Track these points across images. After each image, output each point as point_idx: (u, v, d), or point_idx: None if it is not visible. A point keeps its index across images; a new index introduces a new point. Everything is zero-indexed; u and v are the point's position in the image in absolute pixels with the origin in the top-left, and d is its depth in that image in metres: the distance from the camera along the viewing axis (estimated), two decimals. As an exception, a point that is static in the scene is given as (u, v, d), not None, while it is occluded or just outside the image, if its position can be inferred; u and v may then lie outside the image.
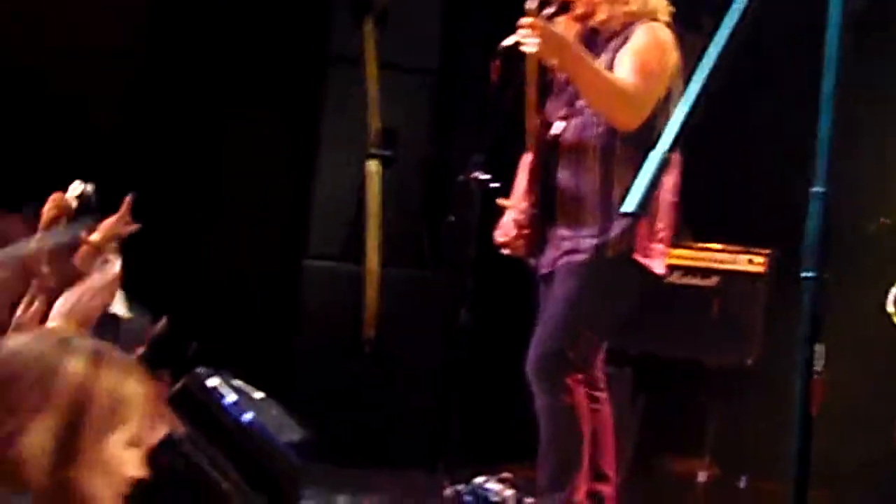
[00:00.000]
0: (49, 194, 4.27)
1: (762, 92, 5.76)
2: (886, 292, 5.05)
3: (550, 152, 4.08)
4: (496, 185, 5.03)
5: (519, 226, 4.14)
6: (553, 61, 3.97)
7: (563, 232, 4.03)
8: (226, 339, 6.79)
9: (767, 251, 5.36)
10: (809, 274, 1.99)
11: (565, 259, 4.01)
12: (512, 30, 4.93)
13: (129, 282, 5.03)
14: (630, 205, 1.87)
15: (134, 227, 4.32)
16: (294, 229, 5.72)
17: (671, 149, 1.90)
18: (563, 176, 4.03)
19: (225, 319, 7.12)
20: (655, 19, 4.00)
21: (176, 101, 7.58)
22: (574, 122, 4.04)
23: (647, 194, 1.86)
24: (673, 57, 3.96)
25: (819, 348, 2.01)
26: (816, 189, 2.01)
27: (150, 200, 6.93)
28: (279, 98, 6.95)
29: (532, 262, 4.18)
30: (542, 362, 3.98)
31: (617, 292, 4.05)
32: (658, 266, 4.06)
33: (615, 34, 4.02)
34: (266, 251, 6.65)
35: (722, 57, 2.07)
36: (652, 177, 1.87)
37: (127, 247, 4.54)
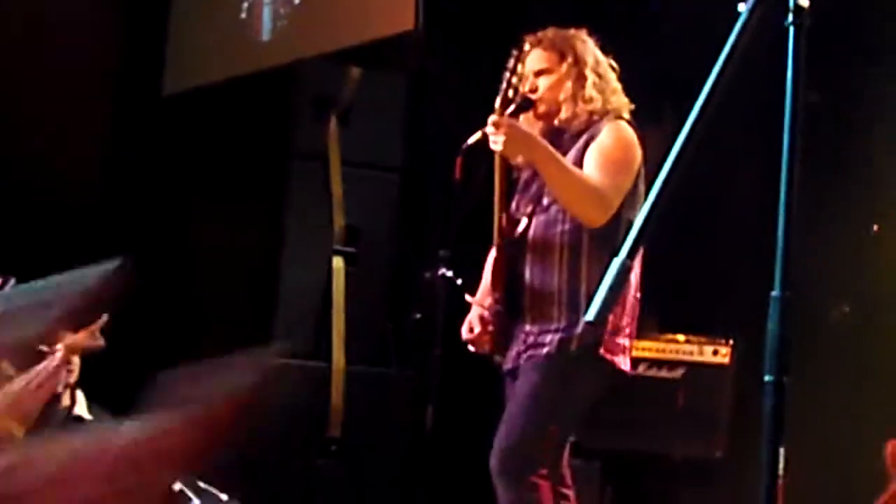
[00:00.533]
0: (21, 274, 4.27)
1: (724, 186, 5.82)
2: (850, 384, 5.08)
3: (516, 249, 4.07)
4: (461, 281, 5.06)
5: (484, 322, 4.13)
6: (519, 159, 4.01)
7: (527, 328, 4.01)
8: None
9: (732, 342, 5.38)
10: (770, 378, 2.00)
11: (529, 353, 3.99)
12: (475, 127, 5.00)
13: (91, 382, 5.03)
14: (591, 314, 1.88)
15: (101, 345, 4.34)
16: (258, 326, 5.70)
17: (631, 256, 1.91)
18: (529, 272, 4.03)
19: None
20: (620, 117, 4.03)
21: (140, 197, 7.60)
22: (540, 218, 4.05)
23: (607, 303, 1.87)
24: (638, 154, 3.99)
25: (782, 451, 2.02)
26: (775, 293, 2.03)
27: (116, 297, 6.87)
28: (243, 194, 6.97)
29: (497, 358, 4.15)
30: (505, 459, 3.92)
31: (581, 387, 4.03)
32: (623, 362, 4.04)
33: (580, 132, 4.05)
34: (229, 348, 6.63)
35: (682, 154, 2.09)
36: (612, 285, 1.88)
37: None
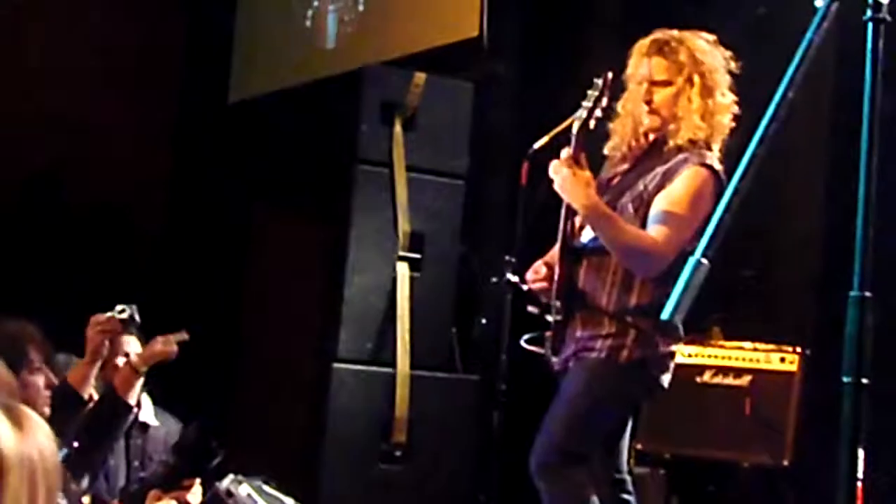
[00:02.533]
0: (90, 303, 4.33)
1: (793, 190, 5.76)
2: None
3: (577, 256, 4.12)
4: (526, 287, 5.04)
5: (549, 268, 4.17)
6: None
7: (578, 333, 4.07)
8: (257, 445, 6.78)
9: (800, 349, 5.32)
10: (848, 379, 1.97)
11: (578, 356, 4.05)
12: (540, 133, 4.98)
13: (160, 386, 5.07)
14: (666, 313, 1.86)
15: (174, 352, 4.42)
16: (324, 332, 5.72)
17: (705, 253, 1.89)
18: (584, 281, 4.08)
19: (256, 425, 7.11)
20: (703, 163, 3.96)
21: (208, 206, 7.66)
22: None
23: (682, 303, 1.85)
24: (709, 202, 3.90)
25: (861, 454, 1.99)
26: (855, 294, 2.00)
27: (185, 306, 6.98)
28: (309, 201, 7.00)
29: (553, 360, 4.18)
30: (542, 456, 4.01)
31: (624, 395, 4.13)
32: (667, 380, 4.10)
33: (668, 158, 4.02)
34: (296, 355, 6.65)
35: (756, 154, 2.07)
36: (686, 285, 1.86)
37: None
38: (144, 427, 5.13)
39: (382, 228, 5.64)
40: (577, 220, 4.15)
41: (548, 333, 4.13)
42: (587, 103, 4.01)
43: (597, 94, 4.00)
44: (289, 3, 7.68)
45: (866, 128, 2.05)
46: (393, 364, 5.52)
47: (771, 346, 5.34)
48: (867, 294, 2.01)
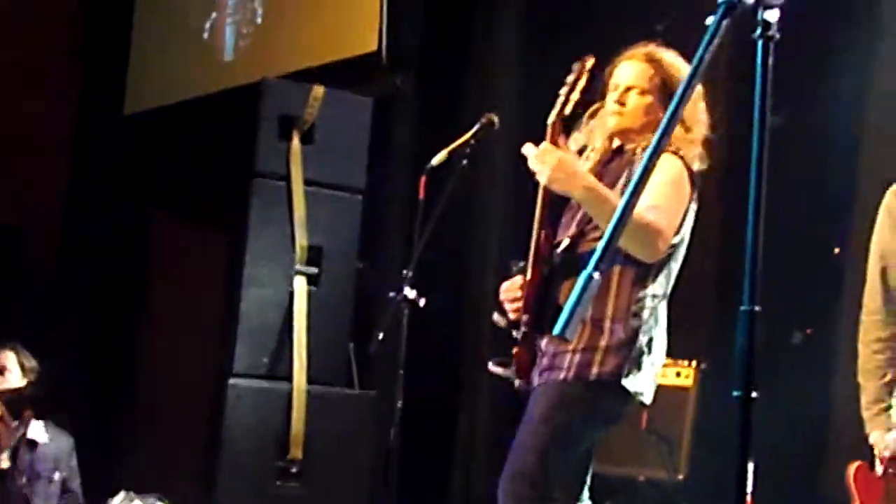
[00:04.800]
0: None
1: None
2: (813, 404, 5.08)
3: (551, 269, 3.82)
4: (424, 302, 5.04)
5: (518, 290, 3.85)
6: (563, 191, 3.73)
7: (548, 348, 3.78)
8: (152, 461, 6.69)
9: (695, 364, 5.38)
10: (738, 393, 1.99)
11: (545, 376, 3.75)
12: (437, 147, 4.99)
13: (50, 402, 4.98)
14: (557, 328, 1.86)
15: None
16: (221, 347, 5.66)
17: (596, 268, 1.90)
18: (561, 293, 3.77)
19: (151, 440, 7.02)
20: (677, 153, 3.78)
21: (104, 216, 7.56)
22: (581, 241, 3.80)
23: (573, 317, 1.85)
24: (688, 190, 3.78)
25: (751, 467, 2.00)
26: (744, 308, 2.02)
27: (82, 321, 6.86)
28: (207, 215, 6.94)
29: (518, 384, 3.86)
30: (512, 485, 3.68)
31: (594, 419, 3.79)
32: (647, 395, 3.80)
33: (639, 156, 3.82)
34: (193, 369, 6.59)
35: (644, 175, 2.08)
36: (578, 296, 1.86)
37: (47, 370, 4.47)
38: (33, 444, 5.04)
39: (280, 242, 5.60)
40: (560, 231, 3.88)
41: (514, 351, 3.82)
42: (563, 90, 3.77)
43: (573, 78, 3.79)
44: (186, 15, 7.62)
45: (756, 143, 2.08)
46: (289, 379, 5.48)
47: (666, 361, 5.37)
48: (756, 308, 2.03)
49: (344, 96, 5.86)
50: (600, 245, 1.94)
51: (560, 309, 3.56)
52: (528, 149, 3.67)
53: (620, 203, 1.98)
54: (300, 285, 5.56)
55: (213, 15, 7.41)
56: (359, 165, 5.83)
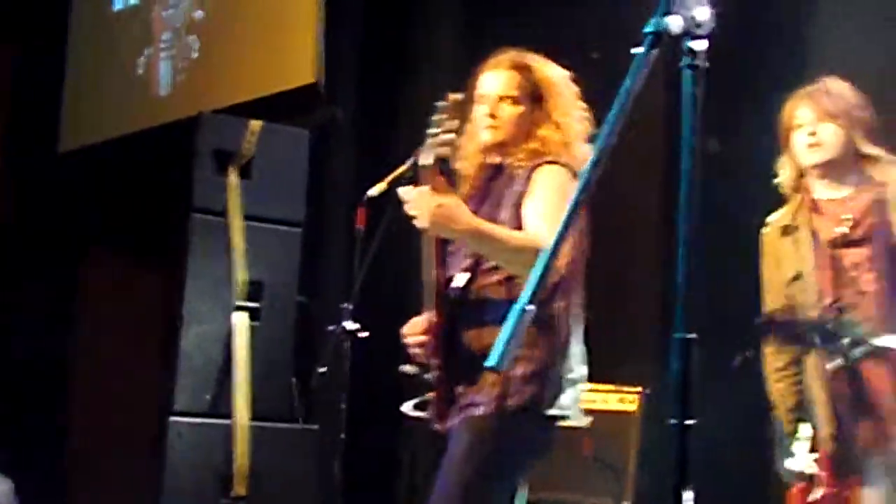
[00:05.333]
0: None
1: (629, 233, 5.86)
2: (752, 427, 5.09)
3: (453, 307, 3.69)
4: (366, 334, 5.02)
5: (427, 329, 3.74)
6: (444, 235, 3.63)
7: (464, 387, 3.64)
8: (92, 502, 6.61)
9: (639, 389, 5.38)
10: (674, 421, 1.99)
11: (463, 414, 3.63)
12: (376, 178, 4.98)
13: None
14: (492, 360, 1.85)
15: None
16: (161, 385, 5.62)
17: (531, 300, 1.89)
18: (467, 331, 3.64)
19: (91, 480, 6.93)
20: (556, 161, 3.67)
21: (40, 250, 7.48)
22: (479, 270, 3.68)
23: (507, 347, 1.85)
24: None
25: (688, 495, 2.00)
26: (678, 335, 2.02)
27: (15, 363, 6.76)
28: (142, 250, 6.89)
29: (436, 426, 3.74)
30: None
31: (518, 446, 3.66)
32: (576, 414, 3.72)
33: (518, 171, 3.71)
34: (133, 408, 6.52)
35: (579, 201, 2.07)
36: (512, 329, 1.86)
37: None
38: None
39: (219, 278, 5.56)
40: (450, 267, 3.75)
41: (430, 394, 3.71)
42: (434, 130, 3.56)
43: (443, 118, 3.57)
44: (119, 50, 7.57)
45: (685, 171, 2.08)
46: (232, 416, 5.43)
47: (610, 387, 5.39)
48: (692, 335, 2.03)
49: (281, 129, 5.84)
50: (533, 279, 1.93)
51: (468, 353, 3.63)
52: (404, 193, 3.54)
53: (553, 240, 1.97)
54: (240, 321, 5.53)
55: (148, 50, 7.37)
56: (297, 198, 5.81)
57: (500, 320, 3.40)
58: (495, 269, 3.66)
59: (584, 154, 3.71)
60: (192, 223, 5.60)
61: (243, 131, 5.69)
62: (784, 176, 4.08)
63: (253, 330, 5.55)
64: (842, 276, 3.90)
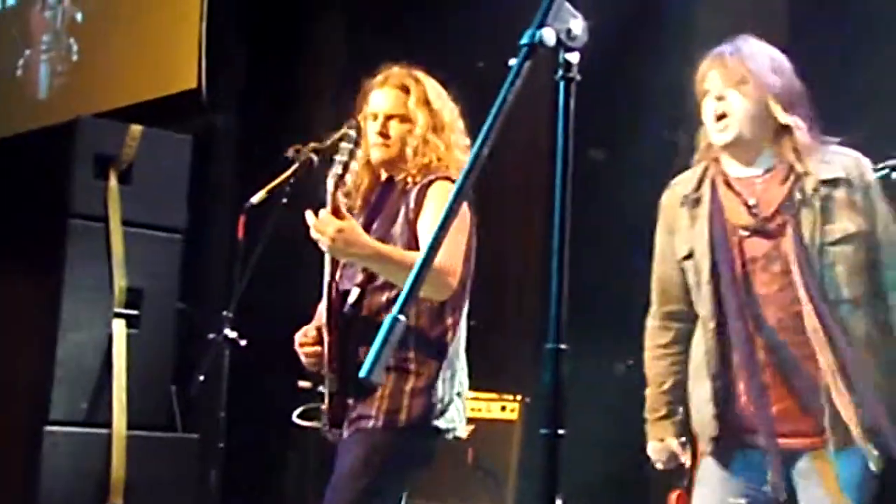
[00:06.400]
0: None
1: (512, 243, 5.89)
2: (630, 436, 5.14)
3: (346, 322, 3.74)
4: (245, 342, 4.99)
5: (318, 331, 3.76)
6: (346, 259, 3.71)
7: (355, 401, 3.70)
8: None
9: (520, 398, 5.42)
10: (545, 431, 2.00)
11: (354, 427, 3.69)
12: (258, 185, 4.95)
13: None
14: (363, 371, 1.84)
15: None
16: (36, 393, 5.51)
17: (401, 311, 1.89)
18: (359, 346, 3.68)
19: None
20: (448, 178, 3.74)
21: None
22: (370, 287, 3.75)
23: (379, 360, 1.84)
24: (468, 213, 3.74)
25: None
26: (550, 346, 2.03)
27: None
28: (21, 256, 6.76)
29: (329, 436, 3.77)
30: None
31: (405, 468, 3.74)
32: (459, 430, 3.79)
33: (411, 186, 3.78)
34: (7, 416, 6.39)
35: (448, 217, 2.06)
36: (384, 339, 1.85)
37: None
38: None
39: (97, 284, 5.47)
40: (342, 280, 3.80)
41: (323, 407, 3.73)
42: (342, 157, 3.62)
43: (351, 146, 3.64)
44: (-2, 52, 7.44)
45: (559, 183, 2.10)
46: (109, 425, 5.35)
47: (492, 395, 5.42)
48: (562, 346, 2.04)
49: (162, 135, 5.77)
50: (404, 289, 1.93)
51: (354, 363, 3.63)
52: (309, 217, 3.57)
53: (420, 254, 1.96)
54: (119, 328, 5.45)
55: (27, 52, 7.24)
56: (178, 205, 5.74)
57: None
58: (385, 286, 3.72)
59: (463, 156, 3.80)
60: (71, 228, 5.51)
61: (124, 136, 5.62)
62: (699, 148, 3.55)
63: (132, 337, 5.47)
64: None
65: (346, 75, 6.36)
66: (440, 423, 3.69)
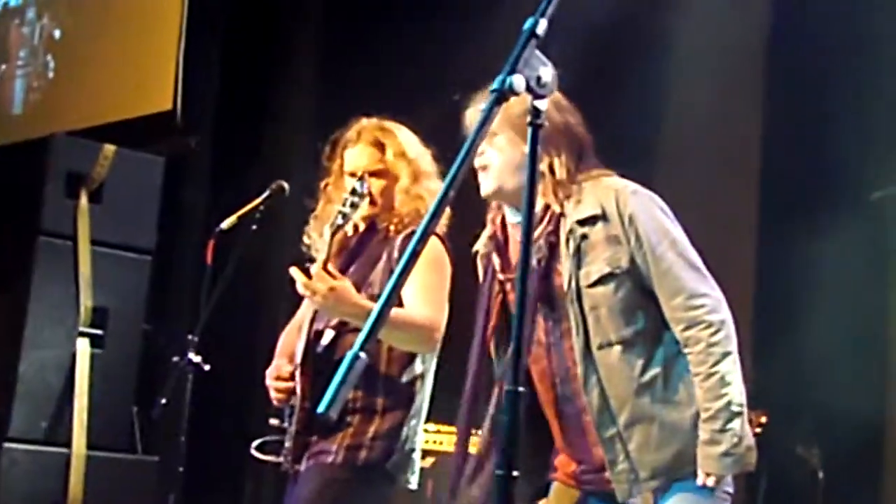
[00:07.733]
0: None
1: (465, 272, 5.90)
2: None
3: (320, 363, 3.77)
4: (209, 367, 4.99)
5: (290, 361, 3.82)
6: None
7: (318, 437, 3.76)
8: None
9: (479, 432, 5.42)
10: (500, 472, 2.02)
11: (313, 461, 3.73)
12: (228, 210, 4.96)
13: None
14: (322, 407, 1.86)
15: None
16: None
17: (362, 348, 1.90)
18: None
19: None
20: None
21: None
22: (344, 329, 3.79)
23: (338, 394, 1.85)
24: (447, 265, 3.81)
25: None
26: (508, 388, 2.05)
27: None
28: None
29: (286, 467, 3.80)
30: None
31: (360, 501, 3.77)
32: (413, 480, 3.83)
33: (391, 235, 3.86)
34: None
35: (413, 257, 2.06)
36: (343, 376, 1.87)
37: None
38: None
39: (63, 303, 5.46)
40: (318, 316, 3.83)
41: (288, 444, 3.76)
42: (345, 208, 3.66)
43: (356, 199, 3.67)
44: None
45: (525, 225, 2.13)
46: (69, 444, 5.33)
47: (453, 429, 5.42)
48: (520, 389, 2.06)
49: (135, 156, 5.77)
50: (366, 327, 1.94)
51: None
52: (295, 273, 3.59)
53: (383, 294, 1.98)
54: (83, 347, 5.43)
55: (3, 66, 7.24)
56: (148, 226, 5.74)
57: (363, 382, 3.64)
58: (359, 330, 3.65)
59: (447, 218, 3.84)
60: (39, 245, 5.50)
61: (96, 155, 5.62)
62: None
63: (96, 357, 5.45)
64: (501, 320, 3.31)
65: (321, 101, 6.40)
66: (396, 471, 3.75)
